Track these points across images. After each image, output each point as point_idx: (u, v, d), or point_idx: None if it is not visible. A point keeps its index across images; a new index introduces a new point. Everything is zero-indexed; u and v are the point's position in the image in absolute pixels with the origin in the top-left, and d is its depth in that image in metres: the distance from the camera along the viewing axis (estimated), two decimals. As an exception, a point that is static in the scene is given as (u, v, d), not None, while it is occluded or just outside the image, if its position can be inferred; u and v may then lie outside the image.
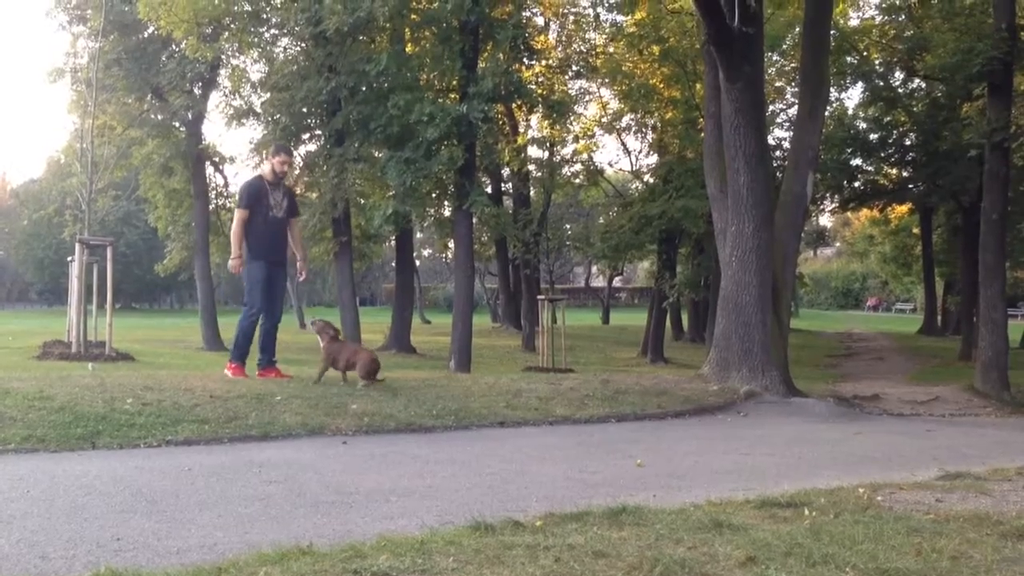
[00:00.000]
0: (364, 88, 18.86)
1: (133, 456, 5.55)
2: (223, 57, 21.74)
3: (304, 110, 20.10)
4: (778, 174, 18.09)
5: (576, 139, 28.77)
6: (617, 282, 60.39)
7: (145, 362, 14.18)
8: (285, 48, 21.86)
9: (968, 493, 4.66)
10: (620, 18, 25.14)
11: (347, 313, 20.99)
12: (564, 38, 28.75)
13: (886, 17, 27.75)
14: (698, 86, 21.23)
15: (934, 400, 12.73)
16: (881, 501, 4.33)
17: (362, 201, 21.82)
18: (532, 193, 32.56)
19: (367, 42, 19.81)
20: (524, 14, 20.52)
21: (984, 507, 4.21)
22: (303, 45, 20.46)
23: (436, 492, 4.76)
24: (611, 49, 26.53)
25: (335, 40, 18.24)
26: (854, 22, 28.36)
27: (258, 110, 21.70)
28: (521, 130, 29.51)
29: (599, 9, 24.87)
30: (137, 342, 20.89)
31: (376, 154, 20.06)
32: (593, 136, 28.80)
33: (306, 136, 21.91)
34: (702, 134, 16.03)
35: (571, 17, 28.44)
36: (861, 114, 29.04)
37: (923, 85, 26.48)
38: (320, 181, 20.41)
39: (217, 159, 26.60)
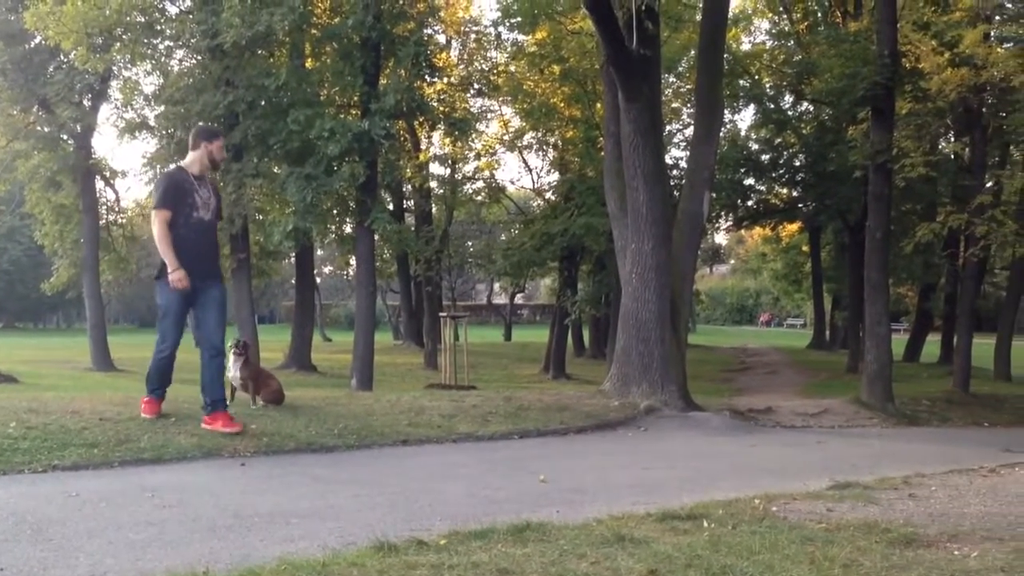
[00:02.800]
0: (263, 103, 18.55)
1: (17, 482, 5.29)
2: (114, 69, 21.09)
3: (200, 124, 19.64)
4: (676, 193, 18.50)
5: (478, 156, 28.92)
6: (519, 299, 60.72)
7: (30, 383, 13.60)
8: (181, 60, 21.36)
9: (857, 502, 4.83)
10: (521, 37, 25.43)
11: (245, 331, 20.52)
12: (466, 56, 28.89)
13: (776, 42, 28.83)
14: (598, 106, 21.58)
15: (824, 412, 13.16)
16: (776, 511, 4.45)
17: (261, 217, 21.42)
18: (434, 210, 32.53)
19: (266, 56, 19.51)
20: (426, 31, 20.51)
21: (873, 515, 4.36)
22: (199, 58, 20.00)
23: (338, 513, 4.69)
24: (513, 68, 26.78)
25: (233, 53, 17.90)
26: (747, 47, 29.35)
27: (152, 123, 21.12)
28: (423, 147, 29.48)
29: (500, 28, 25.11)
30: (21, 363, 20.02)
31: (276, 170, 19.72)
32: (495, 154, 29.00)
33: (203, 151, 21.37)
34: (602, 153, 16.29)
35: (473, 35, 28.63)
36: (753, 135, 29.99)
37: (811, 108, 27.51)
38: (217, 197, 19.94)
39: (108, 173, 25.75)
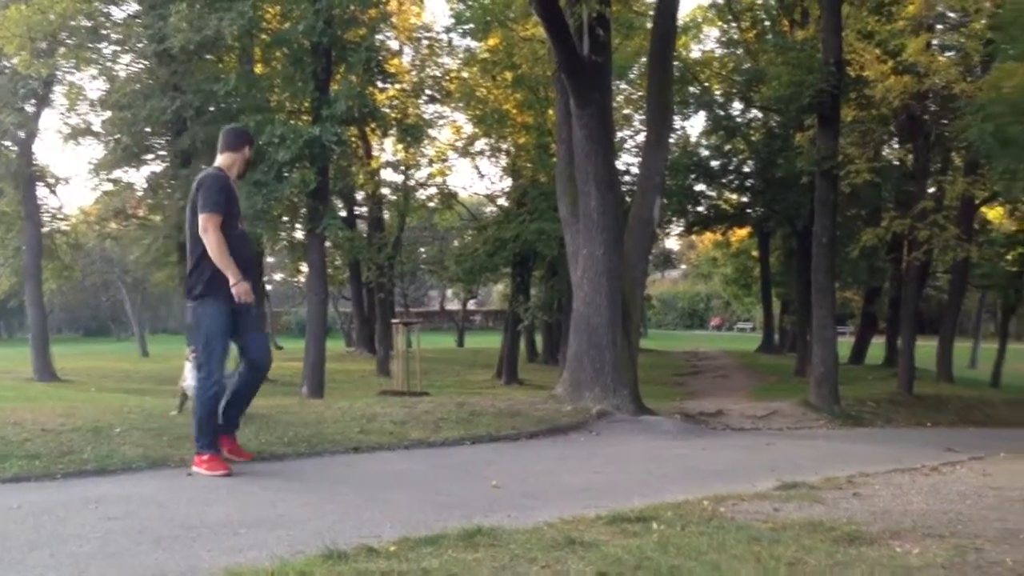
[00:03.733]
0: (212, 108, 18.34)
1: (-45, 496, 5.16)
2: (58, 74, 20.70)
3: (147, 129, 19.37)
4: (627, 198, 18.66)
5: (431, 163, 28.87)
6: (472, 305, 60.67)
7: (-31, 395, 13.26)
8: (127, 65, 21.04)
9: (803, 502, 4.91)
10: (474, 44, 25.46)
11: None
12: (418, 62, 28.84)
13: (726, 51, 29.20)
14: (550, 112, 21.67)
15: (772, 414, 13.36)
16: (724, 512, 4.50)
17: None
18: (386, 216, 32.40)
19: (214, 61, 19.31)
20: (377, 37, 20.44)
21: (818, 515, 4.43)
22: (146, 63, 19.73)
23: (288, 522, 4.64)
24: (465, 74, 26.78)
25: (180, 58, 17.70)
26: (697, 54, 29.68)
27: (98, 129, 20.76)
28: (375, 153, 29.36)
29: (452, 35, 25.11)
30: (-40, 374, 19.51)
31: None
32: (447, 160, 28.97)
33: (150, 157, 21.11)
34: (554, 159, 16.36)
35: (425, 41, 28.57)
36: (704, 142, 30.34)
37: (760, 115, 27.90)
38: (165, 204, 19.67)
39: (51, 180, 25.25)
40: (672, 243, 63.27)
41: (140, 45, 18.69)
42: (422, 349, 19.40)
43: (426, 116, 28.26)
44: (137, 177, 23.63)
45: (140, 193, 22.45)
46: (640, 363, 14.16)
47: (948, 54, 20.04)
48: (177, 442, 6.69)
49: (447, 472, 6.52)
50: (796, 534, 3.79)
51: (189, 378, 7.41)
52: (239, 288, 5.97)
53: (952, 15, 20.30)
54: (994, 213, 26.68)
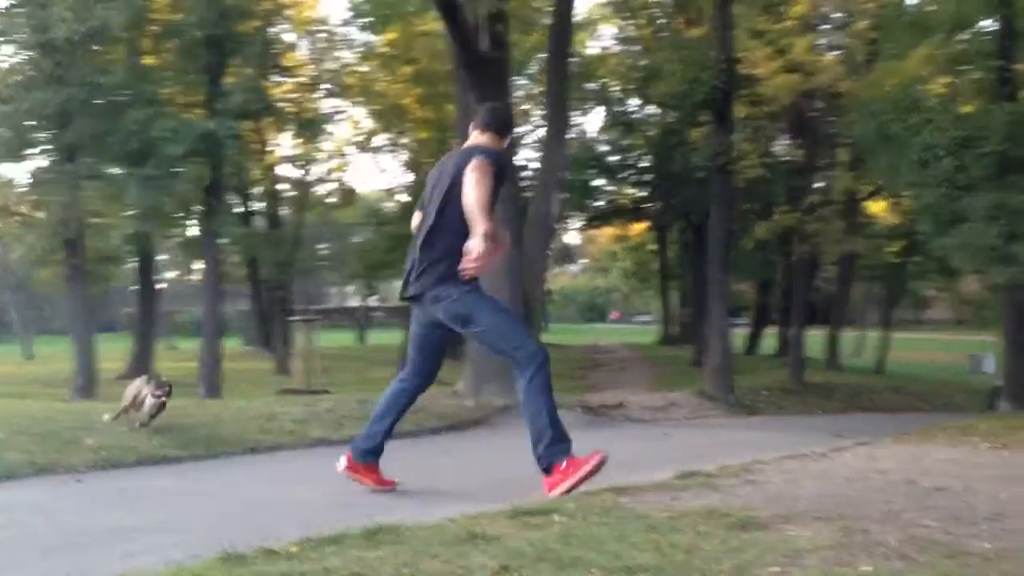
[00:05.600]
0: (98, 101, 17.70)
1: None
2: (-66, 65, 19.67)
3: (30, 123, 18.56)
4: (528, 194, 18.78)
5: (329, 158, 28.51)
6: (373, 301, 60.15)
7: None
8: (9, 57, 20.13)
9: (700, 490, 5.03)
10: (372, 38, 25.23)
11: (80, 342, 19.48)
12: (316, 56, 28.41)
13: (623, 47, 29.67)
14: (450, 107, 21.65)
15: (670, 405, 13.66)
16: (624, 503, 4.58)
17: (97, 221, 20.41)
18: (285, 213, 31.85)
19: (102, 52, 18.63)
20: (272, 30, 20.07)
21: (714, 502, 4.55)
22: (29, 53, 18.91)
23: (184, 526, 4.52)
24: (365, 68, 26.52)
25: (64, 49, 17.02)
26: (596, 51, 30.07)
27: (-24, 121, 19.80)
28: (271, 148, 28.81)
29: (350, 28, 24.86)
30: None
31: (114, 171, 18.85)
32: (346, 155, 28.66)
33: (33, 151, 20.25)
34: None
35: (322, 35, 28.16)
36: (603, 137, 30.77)
37: (656, 111, 28.43)
38: (49, 199, 18.91)
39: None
40: (572, 238, 64.12)
41: (22, 35, 17.87)
42: (323, 347, 19.15)
43: (324, 110, 27.92)
44: (19, 172, 22.67)
45: (23, 189, 21.52)
46: (542, 357, 14.24)
47: (834, 53, 20.80)
48: (65, 447, 6.43)
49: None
50: (693, 521, 3.88)
51: (149, 409, 6.93)
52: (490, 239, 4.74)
53: (837, 16, 21.10)
54: (877, 207, 27.85)
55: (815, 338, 23.84)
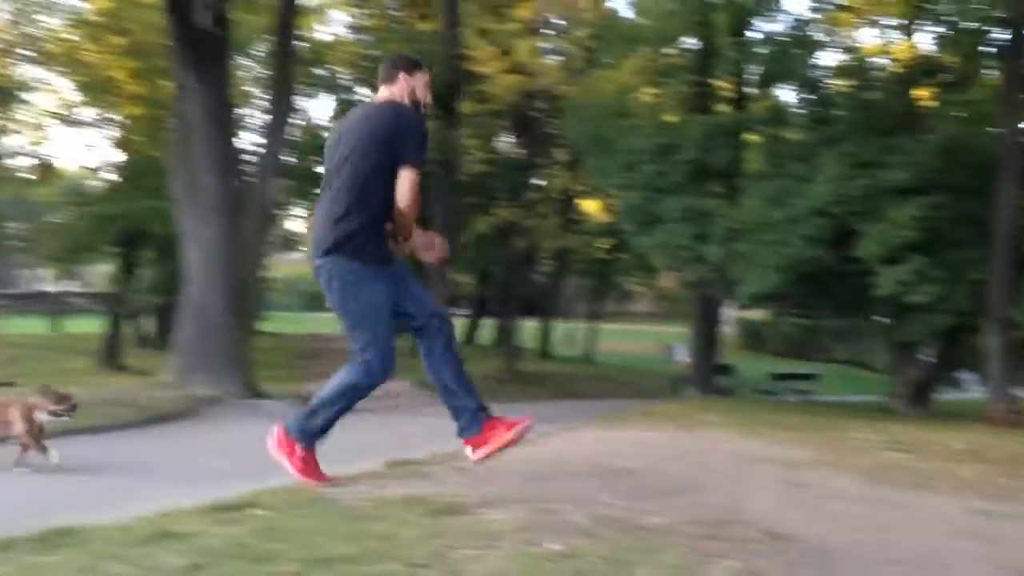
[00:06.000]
0: None
1: None
2: None
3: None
4: (248, 179, 18.13)
5: (26, 130, 25.95)
6: (73, 286, 55.62)
7: None
8: None
9: (409, 479, 5.08)
10: (80, 4, 23.30)
11: None
12: (13, 19, 25.68)
13: (354, 36, 29.37)
14: (167, 84, 20.42)
15: (389, 395, 13.72)
16: (330, 495, 4.52)
17: None
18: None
19: None
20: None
21: (421, 490, 4.61)
22: None
23: None
24: (74, 36, 24.34)
25: None
26: (327, 37, 29.52)
27: None
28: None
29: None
30: None
31: None
32: (44, 128, 26.22)
33: None
34: (170, 134, 15.46)
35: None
36: (330, 125, 30.30)
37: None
38: None
39: None
40: (295, 225, 62.62)
41: None
42: (9, 334, 17.42)
43: (21, 78, 25.35)
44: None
45: None
46: (260, 346, 13.86)
47: (555, 58, 21.83)
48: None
49: (33, 472, 5.92)
50: (396, 510, 3.91)
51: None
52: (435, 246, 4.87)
53: (560, 22, 22.16)
54: (590, 206, 29.56)
55: (531, 330, 24.94)
